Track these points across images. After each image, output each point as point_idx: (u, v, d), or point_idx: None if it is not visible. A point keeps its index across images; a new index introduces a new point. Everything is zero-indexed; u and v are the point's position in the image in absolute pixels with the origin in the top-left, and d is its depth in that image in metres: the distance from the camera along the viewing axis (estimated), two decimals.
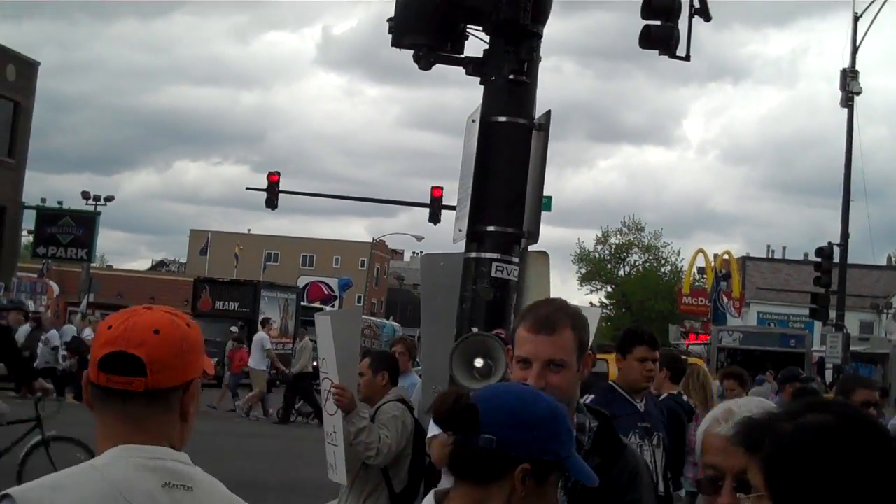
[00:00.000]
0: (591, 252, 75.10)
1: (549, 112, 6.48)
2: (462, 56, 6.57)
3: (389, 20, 6.60)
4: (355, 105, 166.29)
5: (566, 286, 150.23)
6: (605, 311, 75.13)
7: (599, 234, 75.54)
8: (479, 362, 5.01)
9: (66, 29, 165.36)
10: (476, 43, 6.61)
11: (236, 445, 19.42)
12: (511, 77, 6.33)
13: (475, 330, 6.02)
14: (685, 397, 8.53)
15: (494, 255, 6.30)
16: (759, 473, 1.70)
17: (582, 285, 75.48)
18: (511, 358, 3.24)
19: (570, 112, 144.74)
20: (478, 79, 6.49)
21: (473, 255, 6.38)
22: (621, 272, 76.07)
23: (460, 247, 6.59)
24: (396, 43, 6.52)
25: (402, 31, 6.52)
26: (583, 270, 75.04)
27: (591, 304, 76.57)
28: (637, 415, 6.05)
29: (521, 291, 6.42)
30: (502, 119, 6.36)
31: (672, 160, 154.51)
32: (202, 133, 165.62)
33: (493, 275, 6.29)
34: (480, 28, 6.50)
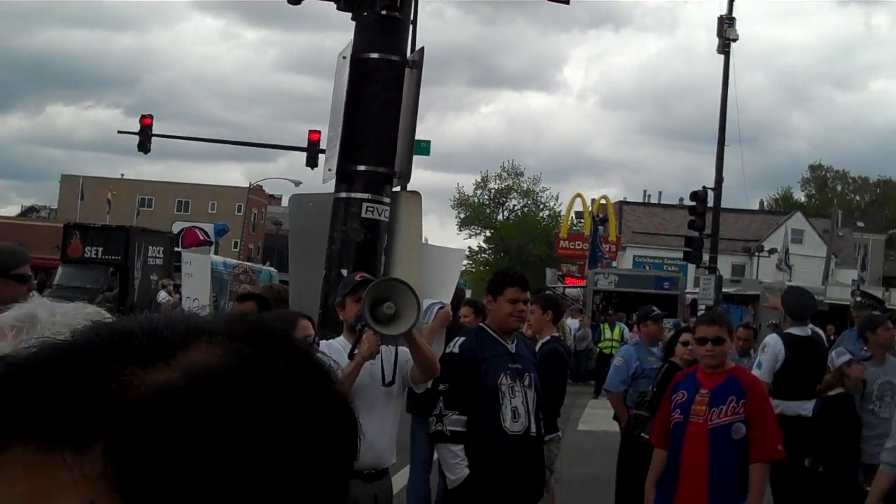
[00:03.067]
0: (470, 197, 75.38)
1: (422, 49, 6.34)
2: None
3: None
4: (232, 48, 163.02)
5: (445, 231, 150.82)
6: (483, 255, 75.74)
7: (479, 179, 75.91)
8: (388, 307, 5.08)
9: None
10: None
11: None
12: (383, 13, 6.15)
13: (344, 272, 5.90)
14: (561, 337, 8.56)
15: (365, 195, 6.17)
16: None
17: (461, 230, 75.83)
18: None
19: (451, 57, 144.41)
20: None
21: (343, 195, 6.24)
22: (500, 217, 76.57)
23: (332, 188, 6.44)
24: None
25: None
26: (462, 215, 75.31)
27: (469, 248, 77.11)
28: (508, 356, 6.00)
29: (393, 232, 6.30)
30: (374, 56, 6.20)
31: (553, 106, 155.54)
32: (75, 76, 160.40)
33: (363, 215, 6.16)
34: None
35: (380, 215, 6.19)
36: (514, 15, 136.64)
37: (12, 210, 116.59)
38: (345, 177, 6.23)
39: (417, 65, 6.28)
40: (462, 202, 75.21)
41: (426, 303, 6.11)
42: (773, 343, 8.58)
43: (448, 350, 6.73)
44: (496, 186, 75.42)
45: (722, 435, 5.90)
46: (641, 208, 72.05)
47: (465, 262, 79.86)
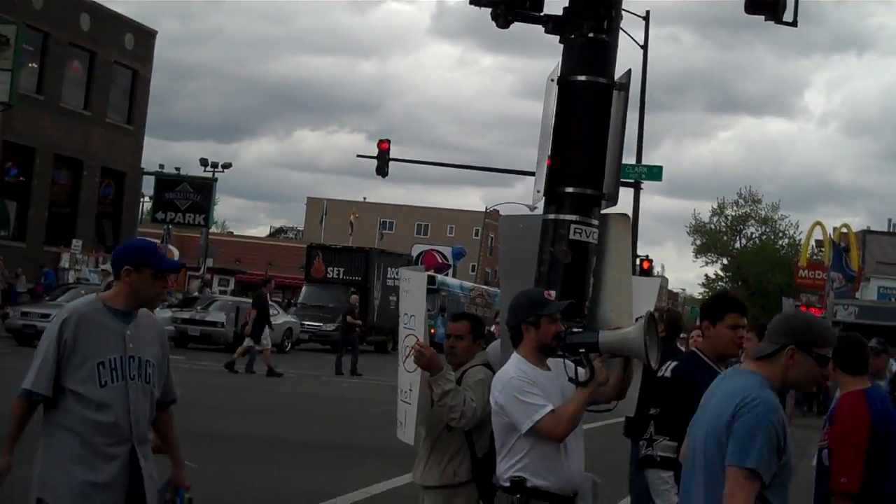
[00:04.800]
0: (706, 224, 73.91)
1: (629, 71, 6.31)
2: (541, 14, 6.41)
3: None
4: (469, 74, 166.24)
5: (682, 258, 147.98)
6: (720, 283, 73.94)
7: (715, 206, 74.33)
8: None
9: None
10: (556, 0, 6.46)
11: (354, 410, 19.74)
12: (591, 35, 6.16)
13: (553, 294, 5.91)
14: None
15: (573, 217, 6.16)
16: None
17: (697, 257, 74.45)
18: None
19: (688, 82, 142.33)
20: None
21: (552, 216, 6.25)
22: (737, 244, 74.73)
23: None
24: (475, 0, 6.40)
25: None
26: (698, 242, 73.91)
27: (706, 276, 75.40)
28: None
29: (602, 254, 6.27)
30: (581, 78, 6.20)
31: (792, 132, 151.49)
32: (320, 102, 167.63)
33: (571, 237, 6.15)
34: None
35: (588, 237, 6.17)
36: (752, 39, 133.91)
37: (262, 231, 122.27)
38: (553, 198, 6.26)
39: (625, 87, 6.25)
40: (698, 229, 73.85)
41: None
42: None
43: (661, 374, 6.64)
44: (733, 213, 73.69)
45: (819, 461, 5.73)
46: (886, 238, 68.65)
47: (701, 290, 78.11)
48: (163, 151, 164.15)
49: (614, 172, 6.30)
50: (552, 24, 6.33)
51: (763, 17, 12.67)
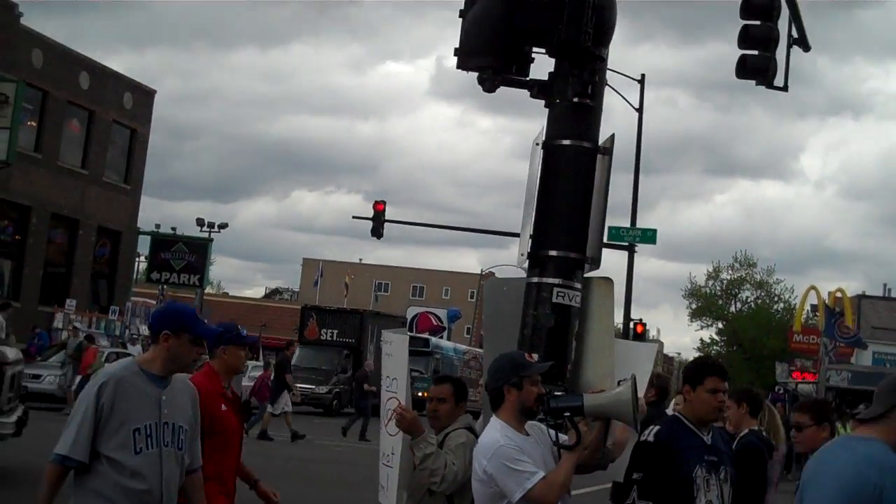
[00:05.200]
0: (702, 287, 73.92)
1: (612, 136, 6.38)
2: (527, 79, 6.49)
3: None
4: (468, 136, 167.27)
5: (678, 321, 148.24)
6: (715, 347, 73.81)
7: (710, 270, 74.42)
8: None
9: (186, 58, 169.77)
10: (542, 65, 6.54)
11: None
12: (575, 100, 6.23)
13: (535, 357, 5.90)
14: (765, 433, 8.27)
15: (556, 281, 6.19)
16: None
17: (692, 321, 74.33)
18: None
19: (685, 145, 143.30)
20: None
21: (535, 279, 6.28)
22: (733, 308, 74.68)
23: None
24: (461, 64, 6.47)
25: (467, 52, 6.46)
26: (693, 306, 73.88)
27: (701, 340, 75.26)
28: (703, 447, 5.85)
29: (584, 318, 6.29)
30: (566, 142, 6.27)
31: (789, 195, 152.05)
32: (318, 162, 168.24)
33: (554, 300, 6.17)
34: (544, 51, 6.42)
35: (571, 301, 6.19)
36: (749, 102, 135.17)
37: (258, 292, 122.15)
38: (536, 261, 6.29)
39: (609, 151, 6.31)
40: (694, 292, 73.80)
41: None
42: None
43: (643, 438, 6.62)
44: (728, 277, 73.74)
45: None
46: (882, 303, 68.61)
47: (696, 354, 78.06)
48: (160, 211, 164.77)
49: (598, 236, 6.34)
50: (537, 89, 6.41)
51: (754, 82, 12.80)
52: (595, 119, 6.36)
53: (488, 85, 6.40)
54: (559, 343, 6.17)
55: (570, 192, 6.27)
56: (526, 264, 6.40)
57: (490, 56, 6.36)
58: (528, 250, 6.33)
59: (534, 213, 6.34)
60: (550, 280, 6.20)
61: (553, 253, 6.24)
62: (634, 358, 6.37)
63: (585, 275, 6.36)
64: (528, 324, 6.24)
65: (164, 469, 4.98)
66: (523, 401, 5.27)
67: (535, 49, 6.49)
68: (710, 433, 5.99)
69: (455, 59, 6.49)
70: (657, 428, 6.86)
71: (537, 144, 6.37)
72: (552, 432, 5.19)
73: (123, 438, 4.88)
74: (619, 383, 5.59)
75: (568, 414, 5.22)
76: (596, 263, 6.33)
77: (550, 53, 6.35)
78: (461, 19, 6.53)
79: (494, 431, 5.24)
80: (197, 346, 5.12)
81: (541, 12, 6.21)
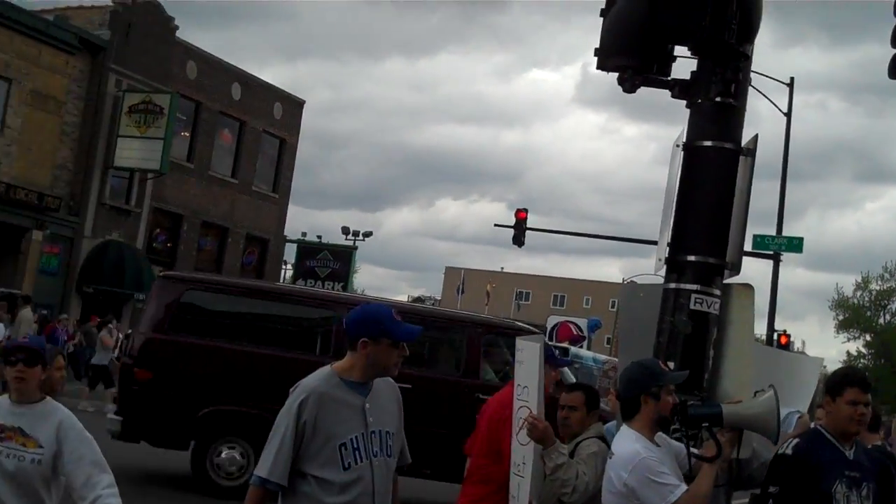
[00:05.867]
0: (849, 298, 71.52)
1: (755, 137, 6.14)
2: (668, 78, 6.29)
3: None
4: (612, 143, 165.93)
5: (824, 333, 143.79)
6: (862, 360, 71.29)
7: (859, 280, 71.99)
8: None
9: (336, 68, 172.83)
10: (684, 65, 6.34)
11: None
12: (717, 99, 6.02)
13: (671, 365, 5.72)
14: (889, 447, 7.92)
15: (694, 287, 5.98)
16: None
17: (839, 333, 72.00)
18: None
19: (835, 151, 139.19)
20: None
21: (672, 285, 6.08)
22: (881, 320, 72.07)
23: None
24: (601, 65, 6.31)
25: (608, 52, 6.30)
26: (840, 317, 71.57)
27: (847, 353, 72.87)
28: (844, 462, 5.61)
29: (723, 326, 6.06)
30: (707, 143, 6.06)
31: None
32: (463, 171, 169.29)
33: (692, 307, 5.97)
34: (686, 49, 6.23)
35: (709, 308, 5.98)
36: None
37: (402, 300, 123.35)
38: (674, 267, 6.09)
39: (752, 152, 6.08)
40: (841, 303, 71.44)
41: (784, 411, 5.83)
42: None
43: (780, 451, 6.39)
44: (878, 288, 71.15)
45: None
46: None
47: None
48: (306, 219, 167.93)
49: (738, 240, 6.11)
50: (679, 89, 6.21)
51: None
52: (738, 119, 6.13)
53: (628, 85, 6.24)
54: (696, 351, 5.97)
55: (711, 195, 6.06)
56: (663, 270, 6.21)
57: (630, 55, 6.19)
58: (666, 255, 6.14)
59: (672, 218, 6.15)
60: (688, 286, 6.00)
61: (691, 258, 6.04)
62: (801, 371, 6.15)
63: (725, 281, 6.14)
64: (664, 331, 6.06)
65: (376, 481, 4.69)
66: (661, 411, 5.12)
67: (676, 48, 6.30)
68: (853, 448, 5.74)
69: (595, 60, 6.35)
70: (796, 441, 6.62)
71: (678, 146, 6.18)
72: (679, 443, 5.05)
73: (329, 456, 4.59)
74: (755, 394, 5.38)
75: (706, 424, 5.06)
76: (736, 269, 6.09)
77: (693, 50, 6.15)
78: (601, 19, 6.39)
79: (632, 442, 5.10)
80: (397, 349, 4.74)
81: (684, 9, 6.02)
